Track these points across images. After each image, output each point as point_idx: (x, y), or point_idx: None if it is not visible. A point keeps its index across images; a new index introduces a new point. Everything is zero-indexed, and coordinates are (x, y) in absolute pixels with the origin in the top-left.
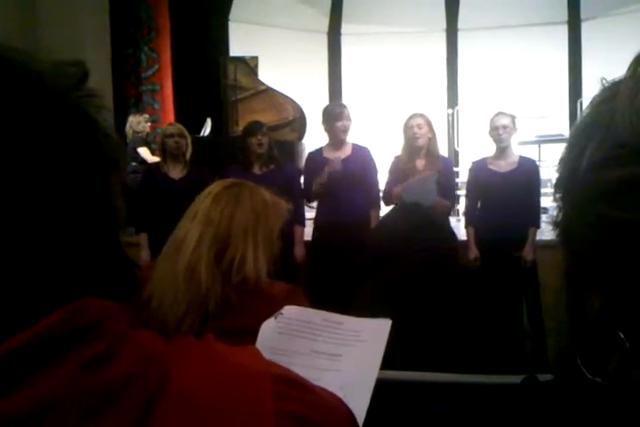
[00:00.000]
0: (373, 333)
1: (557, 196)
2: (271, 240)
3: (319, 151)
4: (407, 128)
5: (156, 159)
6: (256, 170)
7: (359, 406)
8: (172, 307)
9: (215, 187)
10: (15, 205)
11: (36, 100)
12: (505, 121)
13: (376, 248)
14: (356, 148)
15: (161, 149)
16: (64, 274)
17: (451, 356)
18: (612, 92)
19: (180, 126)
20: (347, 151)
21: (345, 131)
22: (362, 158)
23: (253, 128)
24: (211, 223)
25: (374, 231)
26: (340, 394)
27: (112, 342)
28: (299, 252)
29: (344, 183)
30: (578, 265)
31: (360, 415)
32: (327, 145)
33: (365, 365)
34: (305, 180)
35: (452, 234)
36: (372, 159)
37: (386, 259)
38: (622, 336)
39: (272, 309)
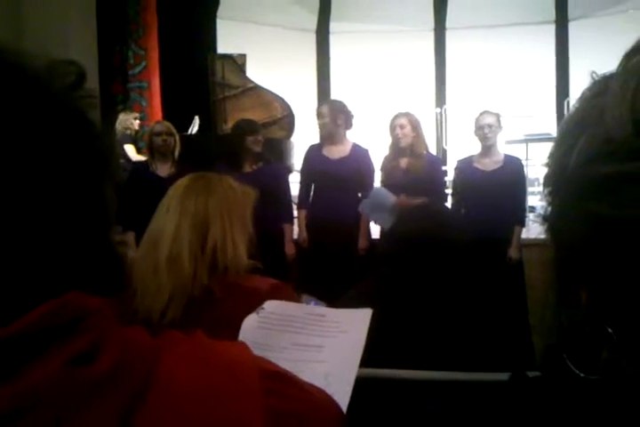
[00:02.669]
0: (354, 323)
1: (546, 191)
2: (246, 224)
3: (319, 146)
4: (391, 129)
5: (140, 158)
6: (246, 168)
7: (342, 394)
8: (154, 297)
9: (183, 180)
10: (7, 201)
11: (34, 101)
12: (490, 120)
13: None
14: (355, 148)
15: (149, 147)
16: (51, 269)
17: (439, 355)
18: (602, 87)
19: (168, 124)
20: (344, 151)
21: (321, 128)
22: (359, 159)
23: (252, 127)
24: (187, 213)
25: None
26: (323, 384)
27: (97, 336)
28: (289, 250)
29: (336, 183)
30: (566, 260)
31: (343, 404)
32: (326, 141)
33: (347, 354)
34: (301, 171)
35: (454, 223)
36: (370, 161)
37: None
38: (610, 331)
39: (256, 302)
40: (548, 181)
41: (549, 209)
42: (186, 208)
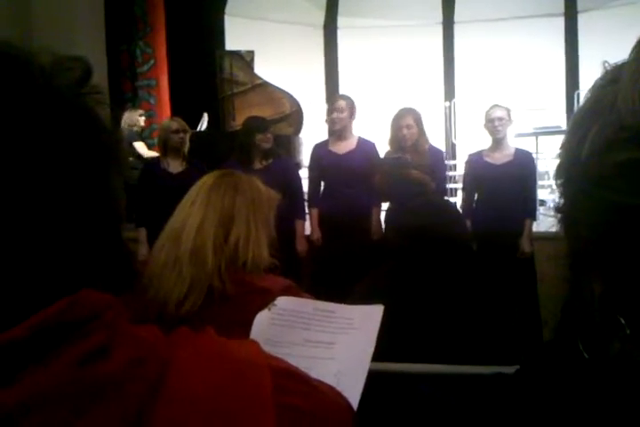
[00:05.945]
0: (366, 319)
1: (559, 181)
2: (269, 226)
3: (325, 143)
4: (396, 128)
5: (152, 154)
6: (256, 164)
7: (353, 392)
8: (172, 288)
9: (210, 177)
10: (17, 199)
11: (39, 96)
12: (500, 113)
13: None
14: (361, 142)
15: (162, 144)
16: (63, 267)
17: (449, 349)
18: (614, 76)
19: (182, 121)
20: (351, 145)
21: (335, 123)
22: (366, 153)
23: (262, 124)
24: (213, 207)
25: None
26: (334, 381)
27: (110, 335)
28: (300, 246)
29: (345, 178)
30: (580, 250)
31: (354, 402)
32: (332, 137)
33: (358, 351)
34: (309, 169)
35: (459, 219)
36: (377, 154)
37: (393, 251)
38: (623, 321)
39: (266, 302)
40: (561, 171)
41: (562, 200)
42: (212, 203)
